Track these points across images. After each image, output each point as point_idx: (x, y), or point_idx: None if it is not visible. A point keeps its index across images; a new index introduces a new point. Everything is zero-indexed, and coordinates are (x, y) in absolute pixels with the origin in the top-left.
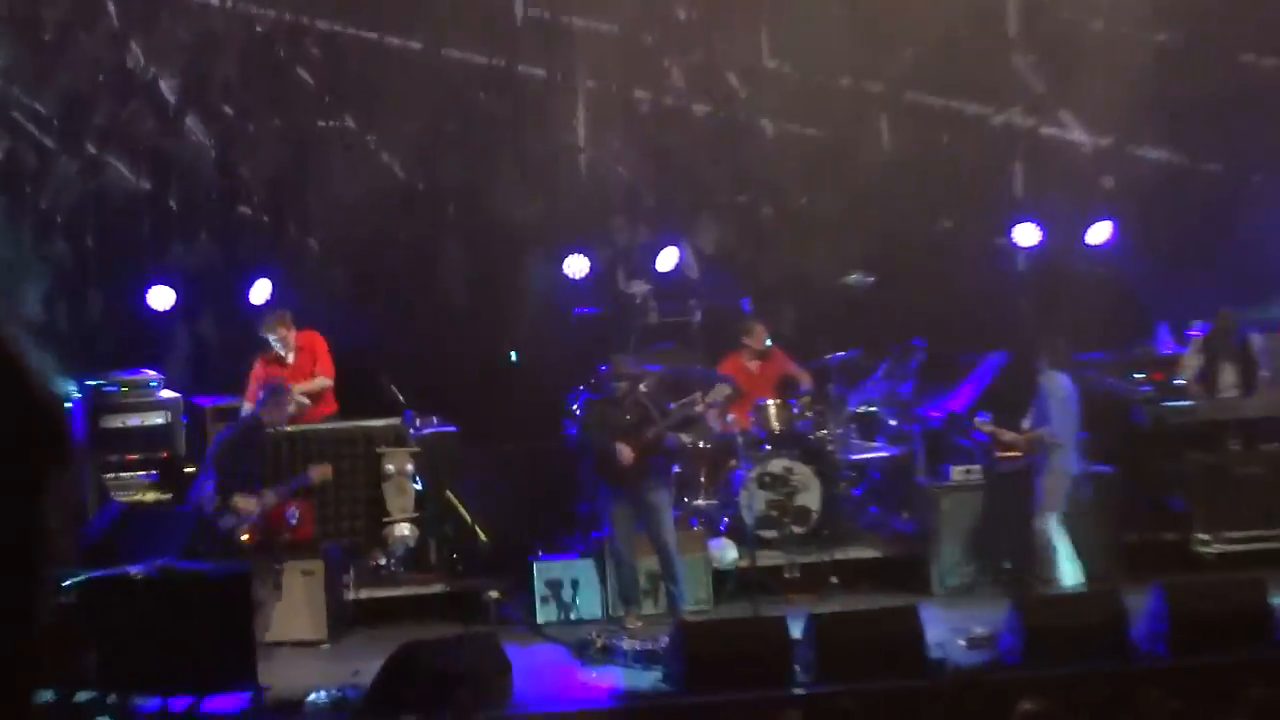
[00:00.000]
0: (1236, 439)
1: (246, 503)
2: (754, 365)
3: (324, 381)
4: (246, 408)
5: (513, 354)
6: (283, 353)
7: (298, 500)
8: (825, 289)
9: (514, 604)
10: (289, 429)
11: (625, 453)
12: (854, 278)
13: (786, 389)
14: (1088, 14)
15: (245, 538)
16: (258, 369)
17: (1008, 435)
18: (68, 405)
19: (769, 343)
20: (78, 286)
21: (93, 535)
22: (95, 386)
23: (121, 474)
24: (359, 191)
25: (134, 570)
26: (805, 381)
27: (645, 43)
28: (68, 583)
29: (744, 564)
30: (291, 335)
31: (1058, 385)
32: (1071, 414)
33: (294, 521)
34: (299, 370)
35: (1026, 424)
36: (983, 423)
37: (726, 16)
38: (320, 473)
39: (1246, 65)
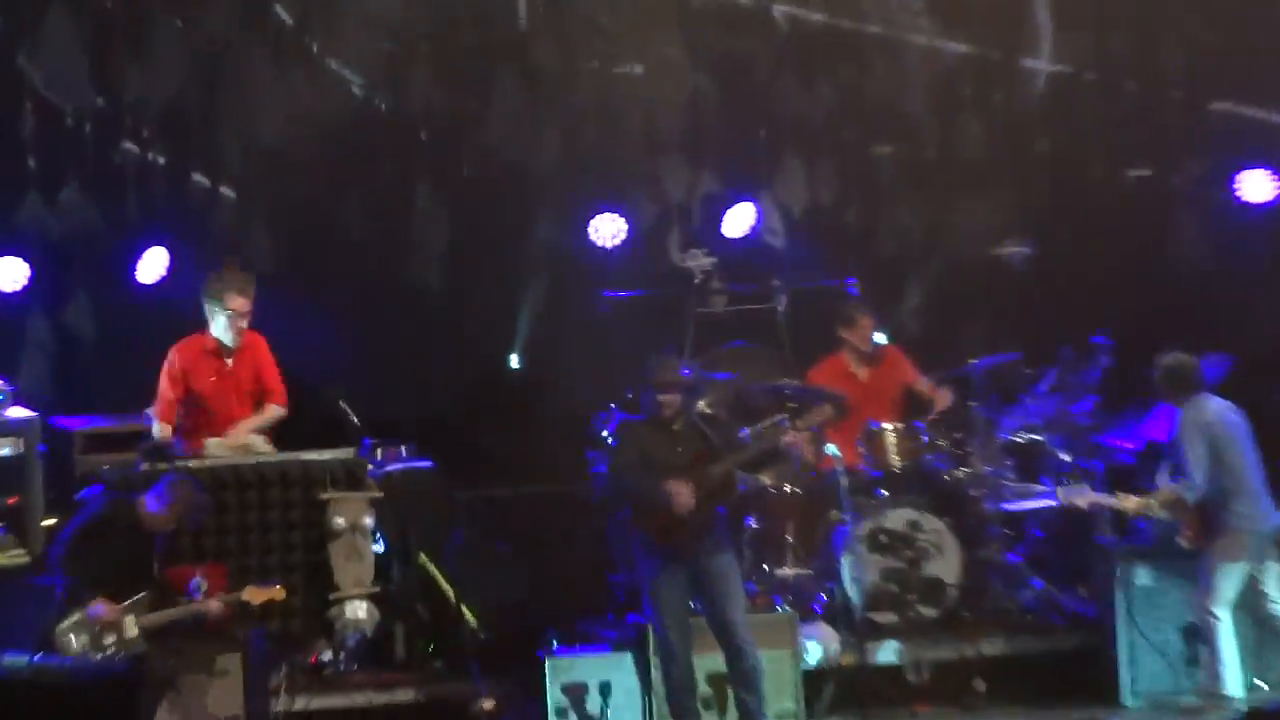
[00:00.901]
0: None
1: (109, 613)
2: (862, 373)
3: (277, 411)
4: (159, 430)
5: (514, 357)
6: (228, 339)
7: (207, 571)
8: (968, 264)
9: (517, 717)
10: (191, 463)
11: (681, 494)
12: (1009, 248)
13: (910, 407)
14: None
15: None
16: (175, 363)
17: (1131, 503)
18: None
19: (882, 340)
20: None
21: None
22: None
23: None
24: (296, 123)
25: None
26: (940, 400)
27: None
28: None
29: (849, 661)
30: (247, 312)
31: (1202, 414)
32: (1234, 452)
33: (199, 596)
34: (238, 379)
35: (1162, 479)
36: (1073, 496)
37: None
38: (266, 595)
39: None
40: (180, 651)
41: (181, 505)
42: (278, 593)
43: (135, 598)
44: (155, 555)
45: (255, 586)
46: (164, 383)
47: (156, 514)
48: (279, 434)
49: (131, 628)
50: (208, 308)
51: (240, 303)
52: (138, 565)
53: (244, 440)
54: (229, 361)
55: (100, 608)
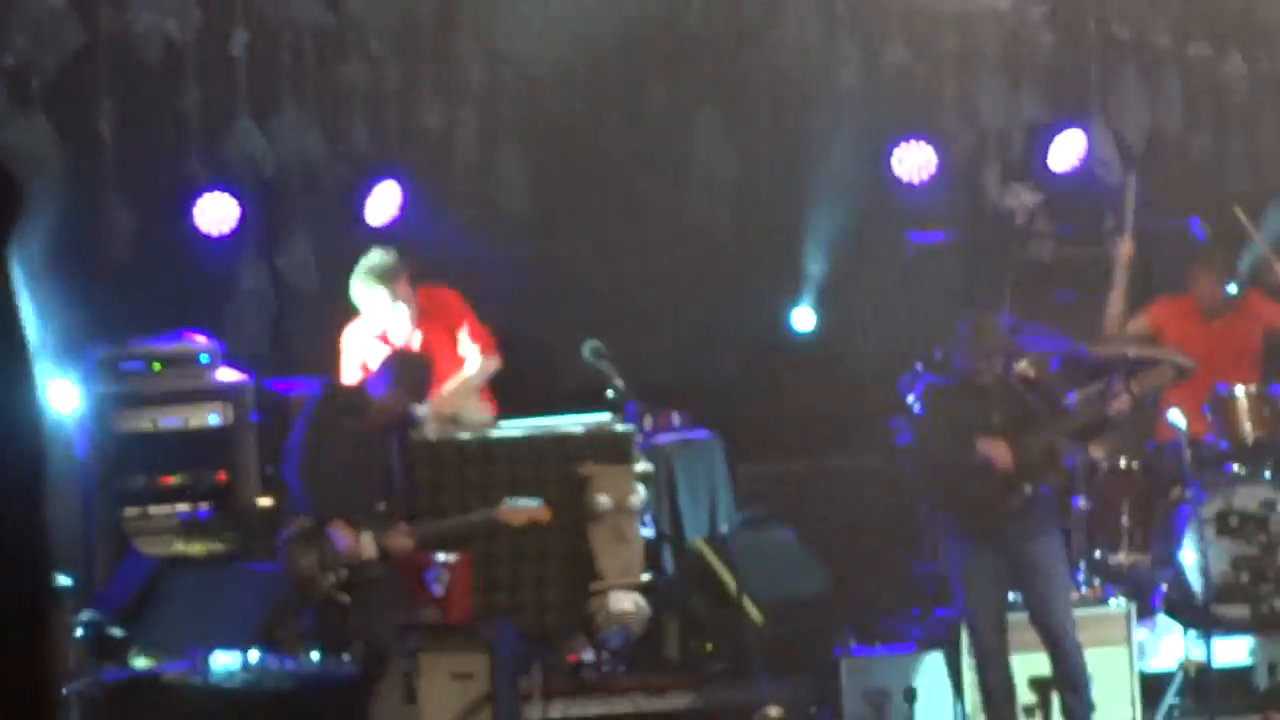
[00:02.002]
0: None
1: (359, 542)
2: (1213, 325)
3: (486, 365)
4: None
5: (801, 314)
6: (393, 332)
7: (449, 551)
8: None
9: None
10: (430, 436)
11: (998, 452)
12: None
13: (1270, 366)
14: None
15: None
16: (348, 354)
17: None
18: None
19: (1236, 288)
20: (79, 194)
21: (107, 606)
22: (107, 362)
23: (152, 508)
24: (550, 34)
25: (170, 671)
26: None
27: None
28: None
29: (1194, 662)
30: (409, 304)
31: None
32: None
33: (437, 588)
34: (426, 352)
35: None
36: None
37: None
38: (527, 515)
39: None
40: (418, 651)
41: (409, 382)
42: (541, 513)
43: (376, 513)
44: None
45: (511, 506)
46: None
47: (384, 396)
48: (530, 397)
49: (370, 548)
50: (366, 299)
51: (400, 293)
52: (372, 468)
53: (450, 410)
54: (408, 339)
55: (340, 538)
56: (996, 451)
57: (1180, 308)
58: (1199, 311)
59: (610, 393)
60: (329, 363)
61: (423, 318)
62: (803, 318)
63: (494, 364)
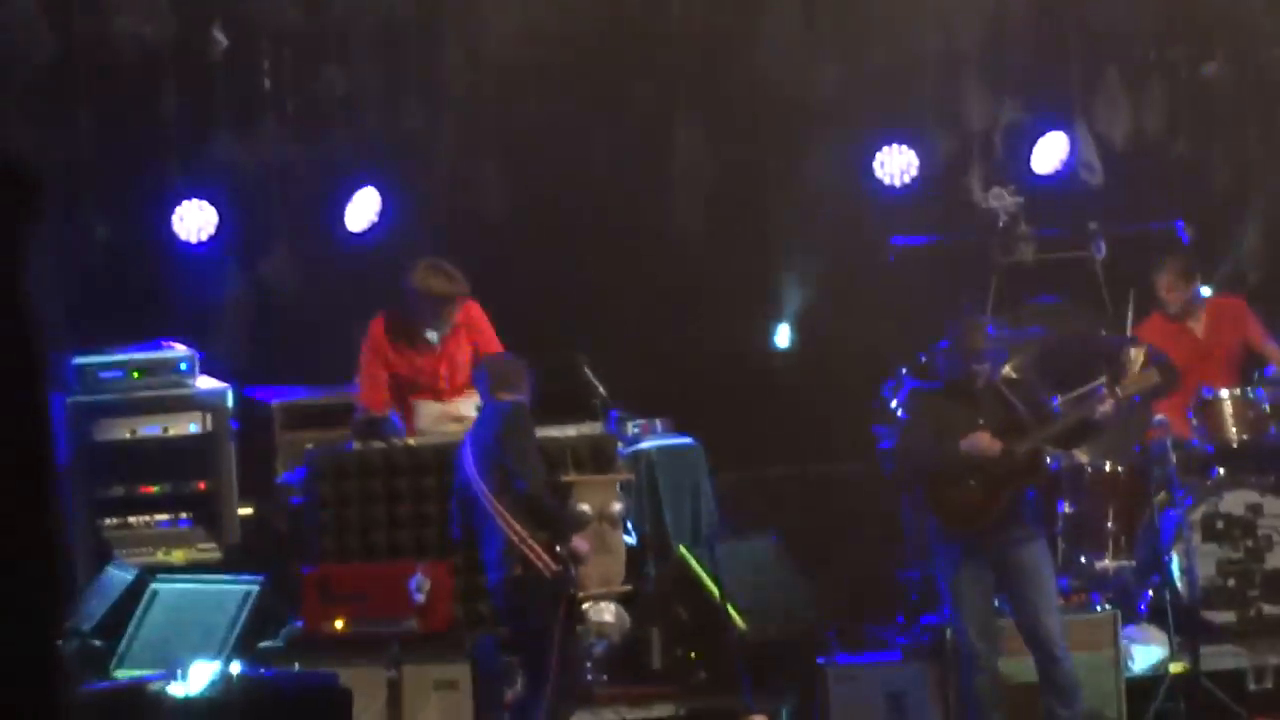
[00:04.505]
0: None
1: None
2: (1197, 329)
3: None
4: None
5: (784, 326)
6: (432, 338)
7: (428, 569)
8: None
9: None
10: (410, 442)
11: (983, 442)
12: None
13: (1251, 369)
14: None
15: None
16: (376, 337)
17: None
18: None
19: (1207, 293)
20: (55, 203)
21: (87, 617)
22: (85, 370)
23: (132, 518)
24: (532, 40)
25: (153, 680)
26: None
27: None
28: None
29: (1180, 668)
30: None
31: None
32: None
33: (419, 597)
34: (449, 357)
35: None
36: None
37: None
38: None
39: None
40: (398, 659)
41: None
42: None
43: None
44: None
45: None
46: (365, 358)
47: None
48: None
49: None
50: (421, 306)
51: (447, 311)
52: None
53: (460, 412)
54: (433, 338)
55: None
56: (981, 442)
57: (1167, 320)
58: (1188, 320)
59: (593, 401)
60: (315, 369)
61: (455, 329)
62: (782, 335)
63: None
